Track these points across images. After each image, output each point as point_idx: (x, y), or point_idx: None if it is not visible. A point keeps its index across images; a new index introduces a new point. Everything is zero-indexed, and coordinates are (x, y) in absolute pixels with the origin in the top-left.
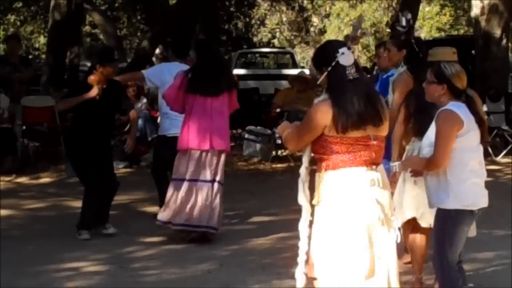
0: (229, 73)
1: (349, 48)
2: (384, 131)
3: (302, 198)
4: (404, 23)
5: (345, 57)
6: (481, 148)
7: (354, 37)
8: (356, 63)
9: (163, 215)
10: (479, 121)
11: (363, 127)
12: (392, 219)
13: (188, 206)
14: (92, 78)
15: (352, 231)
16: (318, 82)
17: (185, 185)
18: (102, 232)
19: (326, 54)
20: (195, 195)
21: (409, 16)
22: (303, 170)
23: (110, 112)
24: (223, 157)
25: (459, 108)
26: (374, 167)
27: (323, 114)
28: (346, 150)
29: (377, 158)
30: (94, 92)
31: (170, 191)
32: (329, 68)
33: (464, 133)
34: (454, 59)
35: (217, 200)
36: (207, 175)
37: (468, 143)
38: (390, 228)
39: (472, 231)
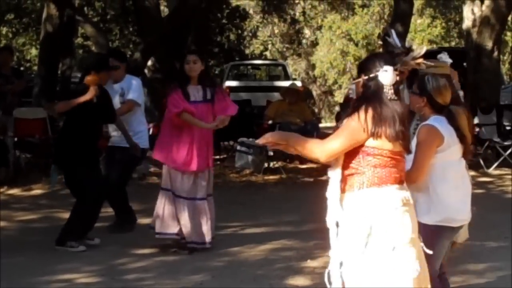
0: None
1: (395, 70)
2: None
3: (333, 219)
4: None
5: (385, 75)
6: (463, 162)
7: (406, 61)
8: (397, 86)
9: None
10: (460, 137)
11: (395, 143)
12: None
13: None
14: (89, 79)
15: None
16: (351, 87)
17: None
18: (87, 243)
19: (371, 63)
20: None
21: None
22: (336, 188)
23: (100, 119)
24: None
25: (441, 123)
26: (404, 185)
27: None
28: (382, 164)
29: (403, 177)
30: (91, 93)
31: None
32: (366, 77)
33: (444, 148)
34: (448, 72)
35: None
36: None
37: (449, 158)
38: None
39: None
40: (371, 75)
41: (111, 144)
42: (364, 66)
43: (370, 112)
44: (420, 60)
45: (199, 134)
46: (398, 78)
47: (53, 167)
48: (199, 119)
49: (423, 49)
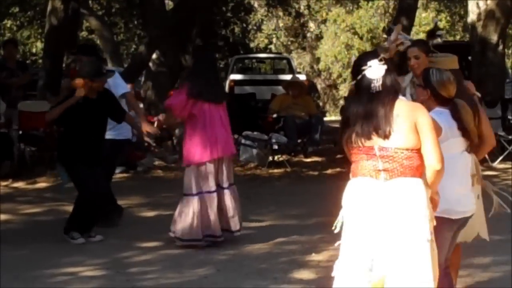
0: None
1: (380, 60)
2: (397, 142)
3: None
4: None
5: (372, 70)
6: (466, 156)
7: (386, 48)
8: (389, 75)
9: (185, 233)
10: (462, 130)
11: (364, 140)
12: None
13: (216, 216)
14: (76, 82)
15: (352, 240)
16: (346, 95)
17: (212, 196)
18: (90, 240)
19: (356, 67)
20: (219, 203)
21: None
22: None
23: (101, 121)
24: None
25: (440, 115)
26: (383, 177)
27: None
28: (353, 160)
29: (391, 170)
30: (75, 97)
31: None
32: (354, 82)
33: (442, 139)
34: (456, 67)
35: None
36: (228, 180)
37: (448, 150)
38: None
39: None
40: (359, 77)
41: None
42: (353, 72)
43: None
44: (399, 41)
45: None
46: (386, 66)
47: (59, 165)
48: None
49: (398, 28)
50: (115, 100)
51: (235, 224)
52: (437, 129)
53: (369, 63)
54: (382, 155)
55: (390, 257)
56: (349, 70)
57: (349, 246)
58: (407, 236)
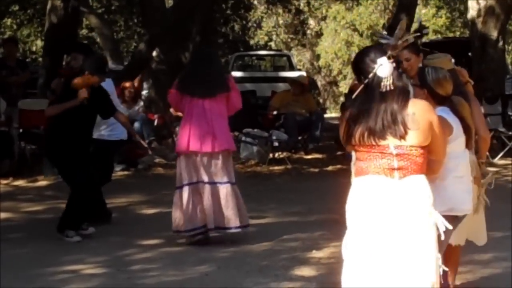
0: (222, 74)
1: (389, 58)
2: (412, 140)
3: None
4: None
5: (383, 68)
6: (467, 153)
7: (394, 45)
8: (396, 72)
9: (177, 225)
10: (465, 127)
11: (377, 139)
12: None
13: (197, 210)
14: (75, 82)
15: (360, 240)
16: (355, 95)
17: (189, 189)
18: (82, 233)
19: (364, 65)
20: (200, 197)
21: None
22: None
23: (91, 117)
24: (229, 157)
25: (448, 114)
26: (397, 176)
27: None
28: (363, 158)
29: (405, 168)
30: (82, 95)
31: (176, 199)
32: (366, 81)
33: (453, 139)
34: (450, 67)
35: (230, 201)
36: (211, 177)
37: (455, 148)
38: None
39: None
40: (370, 75)
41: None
42: (359, 69)
43: (346, 114)
44: (406, 37)
45: None
46: (394, 64)
47: (45, 160)
48: None
49: (403, 25)
50: (107, 97)
51: (227, 221)
52: (449, 128)
53: (378, 61)
54: (398, 153)
55: (399, 253)
56: (349, 66)
57: (358, 243)
58: (417, 230)
